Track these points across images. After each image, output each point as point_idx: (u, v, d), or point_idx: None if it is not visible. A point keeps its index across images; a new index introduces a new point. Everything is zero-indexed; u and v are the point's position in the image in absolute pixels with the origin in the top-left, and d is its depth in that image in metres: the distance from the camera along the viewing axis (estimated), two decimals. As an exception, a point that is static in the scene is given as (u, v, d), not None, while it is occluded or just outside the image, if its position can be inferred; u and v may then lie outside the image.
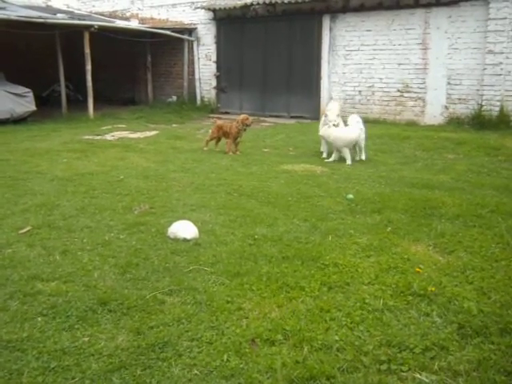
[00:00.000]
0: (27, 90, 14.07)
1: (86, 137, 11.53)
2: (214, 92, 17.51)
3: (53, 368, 2.92)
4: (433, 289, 3.78)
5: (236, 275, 4.10)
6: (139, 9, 19.33)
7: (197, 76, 17.77)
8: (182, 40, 17.40)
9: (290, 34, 15.36)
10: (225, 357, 3.00)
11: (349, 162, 8.69)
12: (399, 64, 13.55)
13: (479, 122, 12.03)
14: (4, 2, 16.95)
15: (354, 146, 8.89)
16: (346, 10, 14.19)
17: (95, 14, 19.27)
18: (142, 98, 19.31)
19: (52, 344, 3.14)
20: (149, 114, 15.91)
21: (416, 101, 13.45)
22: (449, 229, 5.16)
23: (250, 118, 9.76)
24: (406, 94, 13.60)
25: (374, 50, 13.93)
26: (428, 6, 12.85)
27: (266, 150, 10.14)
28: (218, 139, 9.96)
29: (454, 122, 12.59)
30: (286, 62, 15.57)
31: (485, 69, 12.11)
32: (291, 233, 5.12)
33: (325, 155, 9.21)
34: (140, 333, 3.26)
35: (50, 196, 6.49)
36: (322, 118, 9.18)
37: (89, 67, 14.86)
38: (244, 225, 5.38)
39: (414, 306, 3.59)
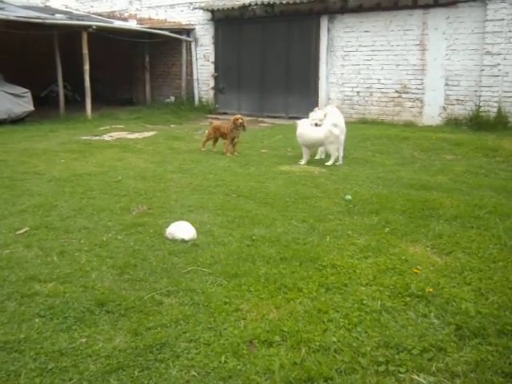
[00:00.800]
0: (25, 90, 14.05)
1: (84, 137, 11.52)
2: (212, 92, 17.51)
3: (50, 369, 2.91)
4: (431, 290, 3.79)
5: (234, 276, 4.10)
6: (137, 9, 19.32)
7: (195, 76, 17.77)
8: (180, 40, 17.39)
9: (288, 35, 15.37)
10: (222, 358, 3.00)
11: (303, 162, 8.80)
12: (397, 65, 13.56)
13: (477, 122, 12.04)
14: (2, 2, 16.92)
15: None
16: (344, 10, 14.20)
17: (93, 14, 19.28)
18: (140, 99, 19.30)
19: (49, 345, 3.14)
20: (147, 115, 15.89)
21: (414, 102, 13.46)
22: (447, 230, 5.17)
23: (244, 118, 9.75)
24: (404, 95, 13.61)
25: (372, 50, 13.94)
26: (426, 7, 12.86)
27: (263, 150, 10.14)
28: (216, 140, 9.95)
29: (452, 123, 12.60)
30: (284, 62, 15.57)
31: (482, 70, 12.12)
32: (289, 234, 5.12)
33: (317, 157, 9.25)
34: (138, 334, 3.26)
35: (48, 197, 6.48)
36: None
37: (87, 67, 14.84)
38: (242, 226, 5.37)
39: (412, 307, 3.59)
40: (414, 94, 13.43)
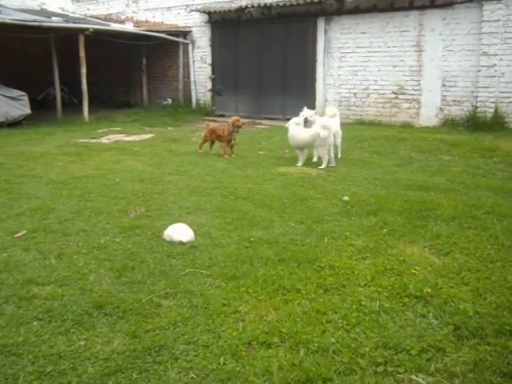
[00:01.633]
0: (22, 93, 14.04)
1: (82, 140, 11.51)
2: (209, 94, 17.52)
3: (49, 372, 2.91)
4: (429, 290, 3.79)
5: (232, 278, 4.10)
6: (134, 12, 19.32)
7: (192, 79, 17.78)
8: (177, 43, 17.40)
9: (285, 37, 15.38)
10: (221, 360, 3.00)
11: (299, 163, 8.81)
12: (394, 66, 13.58)
13: (474, 123, 12.06)
14: (-2, 5, 16.93)
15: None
16: (340, 12, 14.21)
17: (90, 17, 19.29)
18: (137, 101, 19.29)
19: (48, 348, 3.13)
20: (144, 117, 15.89)
21: (411, 103, 13.48)
22: (444, 230, 5.17)
23: (242, 120, 9.75)
24: (400, 96, 13.62)
25: (369, 52, 13.95)
26: (422, 8, 12.87)
27: (261, 152, 10.15)
28: (212, 142, 9.96)
29: (449, 124, 12.62)
30: (281, 64, 15.58)
31: (479, 71, 12.14)
32: (287, 235, 5.12)
33: (315, 159, 9.21)
34: (136, 336, 3.26)
35: (46, 200, 6.47)
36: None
37: (84, 70, 14.83)
38: (240, 227, 5.37)
39: (410, 307, 3.60)
40: (410, 95, 13.45)
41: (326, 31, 14.57)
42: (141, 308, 3.62)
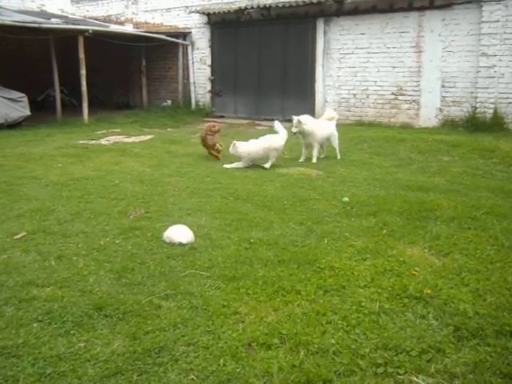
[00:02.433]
0: (22, 94, 14.04)
1: (81, 141, 11.52)
2: (208, 96, 17.53)
3: (49, 374, 2.91)
4: (429, 291, 3.79)
5: (232, 279, 4.10)
6: (134, 13, 19.33)
7: (191, 80, 17.78)
8: (176, 44, 17.40)
9: (284, 38, 15.39)
10: (221, 361, 3.00)
11: (267, 165, 8.75)
12: (393, 67, 13.59)
13: (473, 124, 12.07)
14: (-2, 7, 16.94)
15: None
16: (339, 13, 14.22)
17: (90, 18, 19.29)
18: (136, 103, 19.30)
19: (48, 350, 3.13)
20: (144, 119, 15.89)
21: (410, 103, 13.48)
22: (444, 231, 5.17)
23: (217, 125, 9.72)
24: (400, 97, 13.63)
25: (369, 53, 13.97)
26: (422, 9, 12.89)
27: (261, 153, 10.13)
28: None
29: (449, 125, 12.63)
30: (281, 65, 15.59)
31: (478, 71, 12.16)
32: (287, 236, 5.12)
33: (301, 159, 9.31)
34: (136, 338, 3.25)
35: (45, 201, 6.47)
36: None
37: (83, 72, 14.84)
38: (240, 228, 5.37)
39: (410, 308, 3.60)
40: (410, 95, 13.46)
41: (325, 32, 14.58)
42: (141, 309, 3.62)
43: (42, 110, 16.66)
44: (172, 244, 4.89)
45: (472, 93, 12.37)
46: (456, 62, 12.55)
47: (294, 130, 8.96)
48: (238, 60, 16.55)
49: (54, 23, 15.23)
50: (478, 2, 11.93)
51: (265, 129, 14.21)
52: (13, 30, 14.39)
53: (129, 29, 17.23)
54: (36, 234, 5.26)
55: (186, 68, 17.85)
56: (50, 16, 17.07)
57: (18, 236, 5.19)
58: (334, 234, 5.17)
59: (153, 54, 18.12)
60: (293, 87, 15.44)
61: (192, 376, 2.89)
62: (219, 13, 16.14)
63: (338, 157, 9.41)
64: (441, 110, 12.97)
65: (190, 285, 4.02)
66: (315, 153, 9.21)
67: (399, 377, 2.86)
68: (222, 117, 16.76)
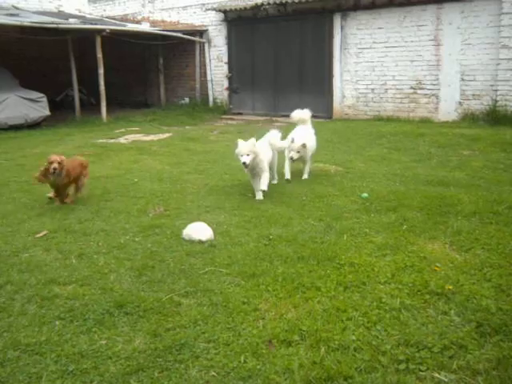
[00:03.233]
0: (41, 95, 14.20)
1: (100, 140, 11.60)
2: (226, 93, 17.54)
3: (71, 371, 2.93)
4: (450, 287, 3.75)
5: (251, 276, 4.10)
6: (150, 12, 19.41)
7: (209, 77, 17.81)
8: (193, 42, 17.44)
9: (301, 34, 15.33)
10: (242, 358, 3.00)
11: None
12: (412, 61, 13.47)
13: (494, 117, 11.91)
14: (17, 8, 17.12)
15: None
16: (356, 7, 14.13)
17: (107, 17, 19.41)
18: (154, 101, 19.39)
19: (70, 347, 3.16)
20: (162, 117, 15.96)
21: (429, 97, 13.35)
22: (465, 226, 5.11)
23: (55, 164, 6.08)
24: (419, 91, 13.50)
25: (386, 47, 13.85)
26: (440, 1, 12.73)
27: (279, 150, 10.11)
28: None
29: (469, 118, 12.48)
30: (298, 61, 15.54)
31: (499, 64, 11.98)
32: (306, 233, 5.10)
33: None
34: (157, 335, 3.27)
35: (66, 200, 6.52)
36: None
37: (101, 71, 14.95)
38: (259, 225, 5.37)
39: (432, 304, 3.56)
40: (429, 89, 13.32)
41: (342, 27, 14.50)
42: (161, 307, 3.64)
43: (60, 109, 16.83)
44: (191, 241, 4.91)
45: (492, 86, 12.21)
46: (475, 54, 12.39)
47: (295, 156, 7.10)
48: (254, 56, 16.53)
49: (72, 23, 15.36)
50: (498, -6, 11.77)
51: (283, 125, 14.18)
52: (31, 31, 14.56)
53: (146, 27, 17.31)
54: (57, 232, 5.32)
55: (203, 66, 17.88)
56: (67, 16, 17.21)
57: (40, 235, 5.25)
58: (354, 229, 5.15)
59: (170, 52, 18.19)
60: (310, 83, 15.38)
61: (213, 373, 2.89)
62: (236, 10, 16.13)
63: (305, 176, 7.59)
64: (460, 103, 12.82)
65: (209, 282, 4.03)
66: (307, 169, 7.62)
67: (421, 373, 2.83)
68: (240, 114, 16.77)
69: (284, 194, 6.61)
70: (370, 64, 14.23)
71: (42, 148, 10.59)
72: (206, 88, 17.89)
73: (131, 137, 12.24)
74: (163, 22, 18.75)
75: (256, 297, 3.74)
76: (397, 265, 4.24)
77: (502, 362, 2.89)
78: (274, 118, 15.51)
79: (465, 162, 8.35)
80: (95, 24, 15.84)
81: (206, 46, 17.66)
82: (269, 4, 15.25)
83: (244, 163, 6.29)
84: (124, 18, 19.64)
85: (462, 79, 12.68)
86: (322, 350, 3.05)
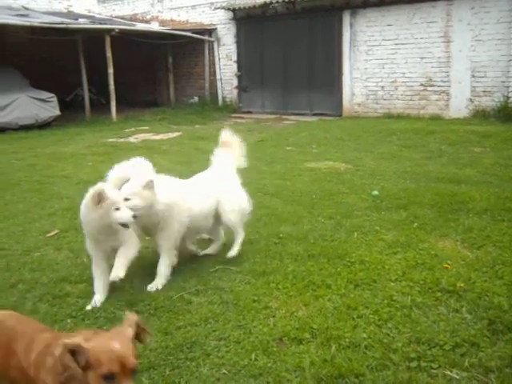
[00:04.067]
0: (51, 95, 14.27)
1: (110, 140, 11.64)
2: (235, 92, 17.53)
3: (83, 369, 2.94)
4: (462, 285, 3.73)
5: (262, 274, 4.10)
6: (159, 11, 19.44)
7: (218, 76, 17.82)
8: (202, 41, 17.46)
9: (310, 31, 15.30)
10: (253, 356, 3.00)
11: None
12: (422, 58, 13.40)
13: (505, 114, 11.83)
14: (27, 9, 17.22)
15: None
16: (366, 5, 14.09)
17: (116, 17, 19.47)
18: (164, 100, 19.43)
19: (81, 345, 3.17)
20: (171, 116, 15.98)
21: (440, 94, 13.28)
22: (477, 223, 5.08)
23: None
24: (429, 88, 13.44)
25: (396, 44, 13.80)
26: (450, -2, 12.68)
27: (289, 148, 10.11)
28: None
29: (480, 115, 12.40)
30: (307, 59, 15.51)
31: (510, 60, 11.90)
32: (316, 231, 5.09)
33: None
34: (168, 333, 3.28)
35: (76, 199, 6.47)
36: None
37: (111, 71, 14.99)
38: (269, 224, 5.37)
39: (443, 302, 3.54)
40: (439, 86, 13.25)
41: (351, 25, 14.45)
42: (172, 305, 3.65)
43: (70, 109, 16.89)
44: (202, 239, 4.90)
45: (503, 82, 12.12)
46: (486, 51, 12.31)
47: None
48: (263, 55, 16.52)
49: (81, 23, 15.42)
50: (509, -11, 11.68)
51: (292, 123, 14.18)
52: (41, 32, 14.64)
53: (155, 27, 17.35)
54: (68, 231, 5.34)
55: (212, 64, 17.89)
56: (77, 16, 17.28)
57: (51, 234, 5.28)
58: (364, 227, 5.13)
59: (179, 51, 18.21)
60: (320, 81, 15.34)
61: (224, 370, 2.89)
62: (244, 8, 16.12)
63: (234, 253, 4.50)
64: (471, 100, 12.74)
65: (220, 280, 4.03)
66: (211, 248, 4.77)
67: (433, 371, 2.82)
68: (250, 112, 16.77)
69: (294, 192, 6.60)
70: (380, 61, 14.18)
71: (53, 148, 10.64)
72: (216, 87, 17.90)
73: (141, 136, 12.27)
74: (172, 21, 18.78)
75: (266, 295, 3.74)
76: (408, 262, 4.22)
77: (514, 359, 2.87)
78: (284, 116, 15.51)
79: (476, 159, 8.30)
80: (104, 24, 15.90)
81: (215, 44, 17.67)
82: (277, 2, 15.23)
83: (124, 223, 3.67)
84: (133, 18, 19.69)
85: (473, 76, 12.61)
86: (333, 347, 3.04)
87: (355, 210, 5.74)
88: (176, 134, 12.46)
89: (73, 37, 15.20)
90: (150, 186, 3.82)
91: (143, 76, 19.82)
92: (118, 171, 4.41)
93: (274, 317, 3.44)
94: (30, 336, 2.22)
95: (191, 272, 4.22)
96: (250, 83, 17.09)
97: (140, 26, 17.08)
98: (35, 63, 17.20)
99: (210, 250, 4.68)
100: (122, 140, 11.69)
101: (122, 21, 18.24)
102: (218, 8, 17.07)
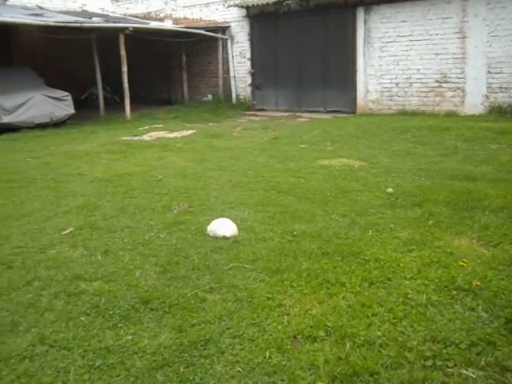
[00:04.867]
0: (66, 93, 14.37)
1: (124, 138, 11.69)
2: (249, 89, 17.53)
3: (98, 366, 2.96)
4: (478, 283, 3.69)
5: (276, 272, 4.09)
6: (173, 9, 19.48)
7: (232, 74, 17.82)
8: (216, 39, 17.47)
9: (323, 28, 15.25)
10: (267, 354, 2.99)
11: None
12: (436, 54, 13.30)
13: (522, 110, 11.72)
14: (41, 8, 17.34)
15: None
16: (380, 1, 14.00)
17: (130, 16, 19.52)
18: (177, 98, 19.47)
19: (96, 342, 3.19)
20: (185, 114, 16.01)
21: (455, 91, 13.17)
22: (493, 221, 5.03)
23: None
24: (444, 85, 13.33)
25: (411, 40, 13.70)
26: (465, -7, 12.56)
27: (302, 145, 10.08)
28: None
29: (496, 112, 12.28)
30: (321, 56, 15.46)
31: (526, 56, 11.78)
32: (330, 228, 5.07)
33: None
34: (182, 330, 3.28)
35: (91, 197, 6.60)
36: None
37: (125, 69, 15.05)
38: (283, 221, 5.36)
39: (459, 300, 3.51)
40: (454, 83, 13.14)
41: (365, 21, 14.38)
42: (186, 302, 3.65)
43: (85, 107, 16.99)
44: (216, 237, 4.91)
45: (520, 78, 12.00)
46: (502, 46, 12.18)
47: None
48: (277, 52, 16.49)
49: (95, 22, 15.49)
50: (525, -16, 11.55)
51: (306, 120, 14.14)
52: (56, 31, 14.73)
53: (168, 25, 17.37)
54: (83, 229, 5.37)
55: (225, 62, 17.90)
56: (91, 15, 17.36)
57: (66, 231, 5.31)
58: (379, 225, 5.10)
59: (193, 49, 18.23)
60: (334, 78, 15.29)
61: (238, 368, 2.89)
62: (258, 5, 16.10)
63: None
64: (487, 96, 12.62)
65: (234, 278, 4.03)
66: None
67: (448, 370, 2.80)
68: (263, 110, 16.76)
69: (308, 189, 6.58)
70: (394, 58, 14.09)
71: (68, 146, 10.72)
72: (229, 84, 17.91)
73: (155, 134, 12.31)
74: (186, 19, 18.81)
75: (280, 292, 3.74)
76: (423, 260, 4.19)
77: (531, 358, 2.84)
78: (298, 114, 15.48)
79: (492, 155, 8.22)
80: (118, 22, 15.96)
81: (229, 42, 17.67)
82: (291, -1, 15.20)
83: None
84: (147, 16, 19.74)
85: (489, 72, 12.49)
86: (348, 345, 3.03)
87: (370, 208, 5.71)
88: (190, 132, 12.48)
89: (87, 35, 15.27)
90: None
91: (157, 74, 19.87)
92: None
93: (288, 314, 3.44)
94: None
95: (205, 269, 4.22)
96: (264, 80, 17.07)
97: (154, 25, 17.12)
98: (50, 62, 17.32)
99: None
100: (137, 138, 11.73)
101: (136, 19, 18.28)
102: (231, 5, 17.07)
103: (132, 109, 15.49)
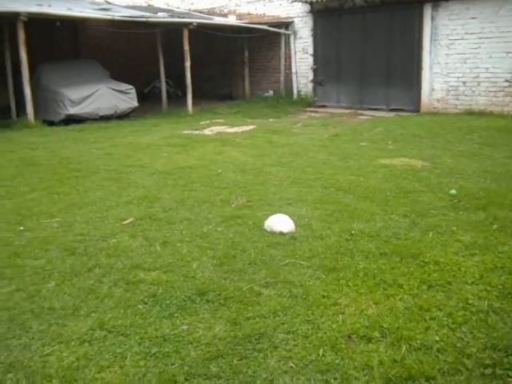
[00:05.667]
0: (130, 86, 14.70)
1: (186, 131, 11.86)
2: (310, 85, 17.41)
3: (154, 354, 3.02)
4: (544, 291, 3.55)
5: (332, 270, 4.06)
6: (237, 5, 19.58)
7: (293, 70, 17.76)
8: (278, 34, 17.45)
9: (388, 25, 14.96)
10: (320, 351, 2.98)
11: None
12: (507, 52, 12.80)
13: None
14: (108, 3, 17.81)
15: None
16: (449, -3, 13.62)
17: (194, 11, 19.77)
18: (238, 93, 19.58)
19: (153, 331, 3.26)
20: (246, 109, 16.08)
21: (526, 91, 12.66)
22: (562, 227, 4.82)
23: None
24: (514, 85, 12.84)
25: (480, 38, 13.25)
26: (540, -11, 12.05)
27: (363, 143, 9.94)
28: None
29: None
30: (385, 53, 15.18)
31: None
32: (389, 229, 4.99)
33: None
34: (237, 323, 3.31)
35: (151, 189, 6.73)
36: None
37: (188, 64, 15.25)
38: (340, 220, 5.30)
39: (523, 308, 3.39)
40: (525, 83, 12.64)
41: (432, 18, 14.00)
42: (241, 296, 3.67)
43: (148, 101, 17.34)
44: (273, 233, 4.92)
45: None
46: None
47: None
48: (340, 48, 16.31)
49: (161, 17, 15.77)
50: None
51: (368, 118, 13.94)
52: (122, 25, 15.10)
53: (231, 20, 17.49)
54: (143, 220, 5.49)
55: (287, 58, 17.85)
56: (156, 10, 17.70)
57: (126, 222, 5.44)
58: (440, 227, 4.97)
59: (255, 44, 18.28)
60: (397, 75, 14.98)
61: (291, 364, 2.89)
62: (322, 1, 15.95)
63: None
64: (559, 97, 12.08)
65: (289, 274, 4.02)
66: None
67: (509, 379, 2.70)
68: (324, 106, 16.63)
69: (368, 188, 6.49)
70: (462, 56, 13.67)
71: (131, 138, 10.97)
72: (291, 80, 17.86)
73: (216, 128, 12.42)
74: (249, 14, 18.88)
75: (336, 291, 3.71)
76: (486, 265, 4.06)
77: None
78: (359, 111, 15.26)
79: None
80: (183, 17, 16.19)
81: (292, 38, 17.60)
82: (356, -5, 15.00)
83: None
84: (211, 12, 19.93)
85: (563, 72, 11.94)
86: (403, 348, 2.97)
87: (431, 209, 5.57)
88: (250, 128, 12.52)
89: (152, 30, 15.57)
90: None
91: (219, 69, 20.03)
92: None
93: (343, 313, 3.40)
94: None
95: (261, 264, 4.24)
96: (326, 77, 16.92)
97: (217, 20, 17.27)
98: (115, 55, 17.78)
99: None
100: (197, 132, 11.88)
101: (200, 14, 18.50)
102: (295, 1, 16.98)
103: (193, 103, 15.68)
